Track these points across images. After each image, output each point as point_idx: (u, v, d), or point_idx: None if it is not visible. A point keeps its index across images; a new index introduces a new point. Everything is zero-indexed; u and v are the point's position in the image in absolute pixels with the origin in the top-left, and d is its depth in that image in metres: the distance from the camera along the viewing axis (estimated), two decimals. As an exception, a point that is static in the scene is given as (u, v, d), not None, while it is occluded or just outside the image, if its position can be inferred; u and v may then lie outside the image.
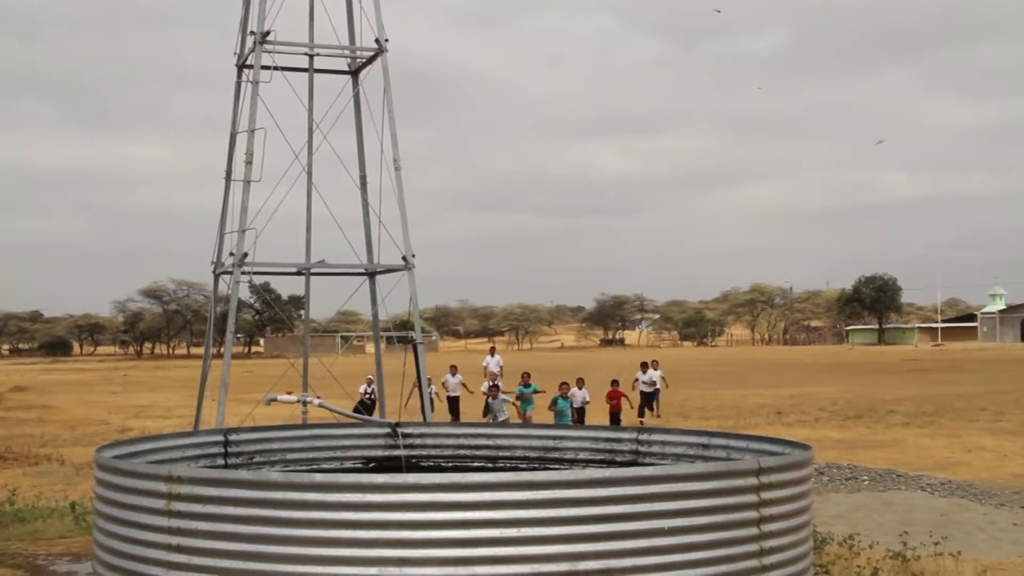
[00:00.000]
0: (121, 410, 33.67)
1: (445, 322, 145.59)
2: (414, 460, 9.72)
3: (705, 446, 8.48)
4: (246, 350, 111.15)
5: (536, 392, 23.17)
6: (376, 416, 17.41)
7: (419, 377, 14.90)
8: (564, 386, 21.78)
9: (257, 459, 9.08)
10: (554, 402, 22.07)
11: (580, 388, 23.10)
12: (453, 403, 25.94)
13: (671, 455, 8.74)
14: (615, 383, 24.43)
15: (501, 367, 36.46)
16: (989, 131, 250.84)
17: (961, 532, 12.17)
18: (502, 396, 22.38)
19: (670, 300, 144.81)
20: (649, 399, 26.92)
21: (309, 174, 15.62)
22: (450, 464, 9.65)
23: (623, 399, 24.20)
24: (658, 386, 27.68)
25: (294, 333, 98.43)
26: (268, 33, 14.76)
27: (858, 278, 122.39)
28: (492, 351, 36.10)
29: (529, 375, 23.85)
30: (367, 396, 24.08)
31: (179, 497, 5.71)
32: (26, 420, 30.39)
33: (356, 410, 19.44)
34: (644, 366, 27.61)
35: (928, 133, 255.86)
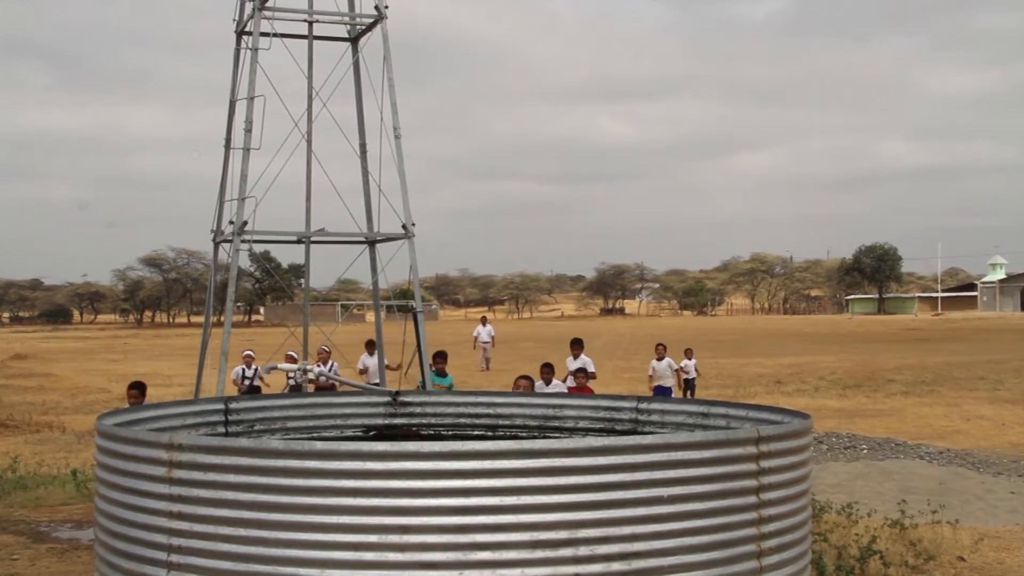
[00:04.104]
0: (122, 378, 33.71)
1: (445, 291, 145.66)
2: (414, 428, 9.75)
3: (704, 415, 8.50)
4: (246, 318, 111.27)
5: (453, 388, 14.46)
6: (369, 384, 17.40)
7: (419, 346, 14.91)
8: (580, 376, 14.21)
9: (258, 427, 9.10)
10: None
11: (548, 382, 13.81)
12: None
13: (670, 424, 8.76)
14: (581, 373, 14.71)
15: (493, 337, 36.36)
16: (991, 99, 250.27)
17: (959, 500, 12.24)
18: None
19: (670, 269, 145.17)
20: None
21: (309, 142, 15.58)
22: (450, 432, 9.67)
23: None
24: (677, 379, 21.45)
25: (294, 302, 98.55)
26: (267, -1, 14.66)
27: (858, 247, 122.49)
28: (484, 320, 35.95)
29: (445, 359, 15.32)
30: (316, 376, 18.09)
31: (180, 465, 5.73)
32: (27, 388, 30.51)
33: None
34: (577, 346, 16.58)
35: (930, 101, 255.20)
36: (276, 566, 5.41)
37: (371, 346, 18.91)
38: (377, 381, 17.67)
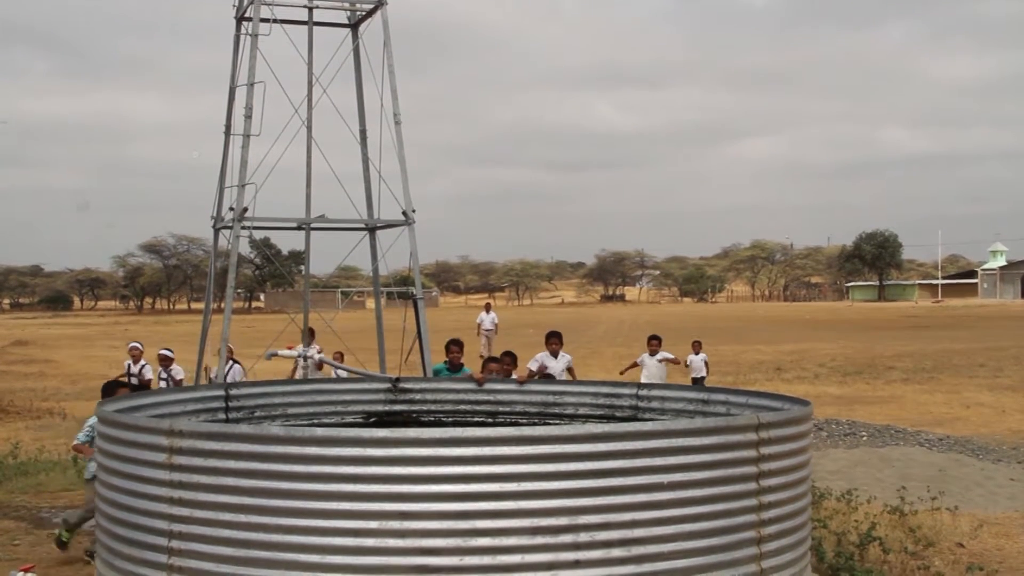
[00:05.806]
0: (122, 364, 33.70)
1: (445, 278, 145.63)
2: (414, 415, 9.76)
3: (705, 401, 8.51)
4: (246, 305, 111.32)
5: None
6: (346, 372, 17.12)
7: (419, 333, 14.91)
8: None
9: (258, 414, 9.12)
10: None
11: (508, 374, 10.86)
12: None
13: (671, 410, 8.78)
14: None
15: (496, 324, 36.26)
16: (991, 86, 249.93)
17: (958, 487, 12.24)
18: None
19: (670, 256, 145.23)
20: None
21: (309, 128, 15.53)
22: (450, 419, 9.69)
23: None
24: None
25: (294, 288, 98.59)
26: (267, -15, 14.59)
27: (859, 234, 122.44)
28: (488, 308, 35.73)
29: (461, 348, 11.58)
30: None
31: (180, 451, 5.73)
32: (27, 374, 30.51)
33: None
34: (555, 340, 13.15)
35: (930, 88, 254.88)
36: (276, 552, 5.42)
37: (311, 336, 16.43)
38: None
